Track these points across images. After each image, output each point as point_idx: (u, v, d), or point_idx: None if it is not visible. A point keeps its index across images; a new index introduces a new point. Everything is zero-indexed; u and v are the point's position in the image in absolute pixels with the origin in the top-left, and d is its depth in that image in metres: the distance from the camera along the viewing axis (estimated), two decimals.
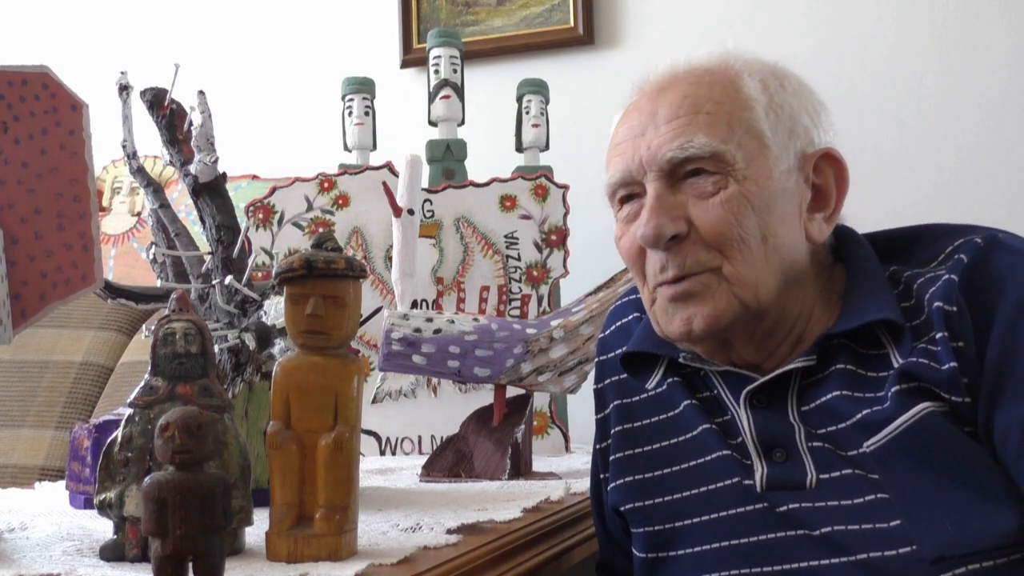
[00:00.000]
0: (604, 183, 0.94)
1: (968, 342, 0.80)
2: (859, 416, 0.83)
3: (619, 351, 1.00)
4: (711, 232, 0.86)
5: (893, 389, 0.82)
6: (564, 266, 1.70)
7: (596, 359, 1.06)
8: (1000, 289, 0.81)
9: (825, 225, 0.91)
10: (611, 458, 1.00)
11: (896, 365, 0.83)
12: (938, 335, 0.81)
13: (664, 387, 0.97)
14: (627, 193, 0.92)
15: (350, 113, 1.89)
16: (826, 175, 0.91)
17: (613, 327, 1.05)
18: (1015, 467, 0.78)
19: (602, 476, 1.03)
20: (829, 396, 0.86)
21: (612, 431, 1.01)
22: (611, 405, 1.01)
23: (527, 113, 1.86)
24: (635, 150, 0.89)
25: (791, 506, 0.85)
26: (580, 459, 1.54)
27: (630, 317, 1.03)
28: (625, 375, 1.00)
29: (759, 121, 0.88)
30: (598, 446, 1.04)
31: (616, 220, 0.95)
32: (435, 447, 1.40)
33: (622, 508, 0.98)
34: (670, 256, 0.87)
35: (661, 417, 0.97)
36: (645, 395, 0.99)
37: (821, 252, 0.93)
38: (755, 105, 0.88)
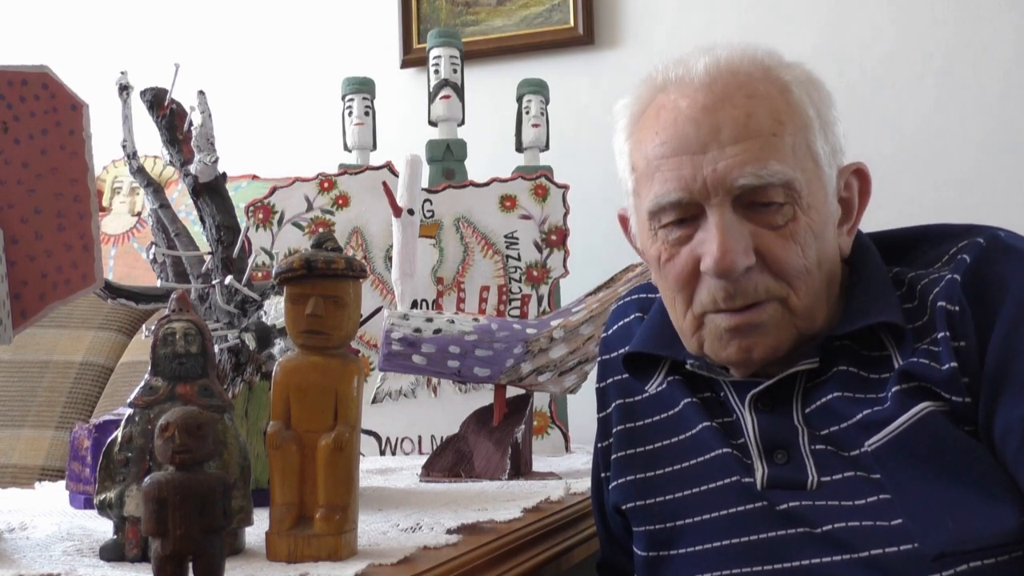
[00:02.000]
0: (649, 199, 0.88)
1: (969, 341, 0.81)
2: (860, 416, 0.84)
3: (621, 351, 1.00)
4: (781, 265, 0.84)
5: (893, 389, 0.82)
6: (564, 266, 1.70)
7: (599, 358, 1.06)
8: (1002, 289, 0.81)
9: (848, 238, 0.92)
10: (612, 457, 1.00)
11: (896, 366, 0.84)
12: (940, 335, 0.81)
13: (664, 386, 0.97)
14: (677, 216, 0.87)
15: (350, 113, 1.89)
16: (852, 189, 0.91)
17: (616, 327, 1.05)
18: (1015, 466, 0.78)
19: (603, 475, 1.03)
20: (829, 397, 0.86)
21: (614, 430, 1.01)
22: (613, 404, 1.02)
23: (527, 113, 1.86)
24: (696, 170, 0.84)
25: (791, 504, 0.85)
26: (580, 459, 1.54)
27: (632, 317, 1.03)
28: (627, 375, 1.00)
29: (816, 142, 0.87)
30: (599, 445, 1.04)
31: (651, 235, 0.90)
32: (435, 447, 1.40)
33: (623, 507, 0.98)
34: (738, 286, 0.85)
35: (662, 416, 0.97)
36: (647, 395, 0.99)
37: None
38: (812, 124, 0.87)
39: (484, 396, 1.46)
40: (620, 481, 0.98)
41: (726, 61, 0.88)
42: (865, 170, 0.92)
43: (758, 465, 0.88)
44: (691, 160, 0.85)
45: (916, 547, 0.79)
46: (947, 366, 0.80)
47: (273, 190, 1.71)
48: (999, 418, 0.79)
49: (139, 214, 2.25)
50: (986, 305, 0.81)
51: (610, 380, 1.03)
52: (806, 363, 0.87)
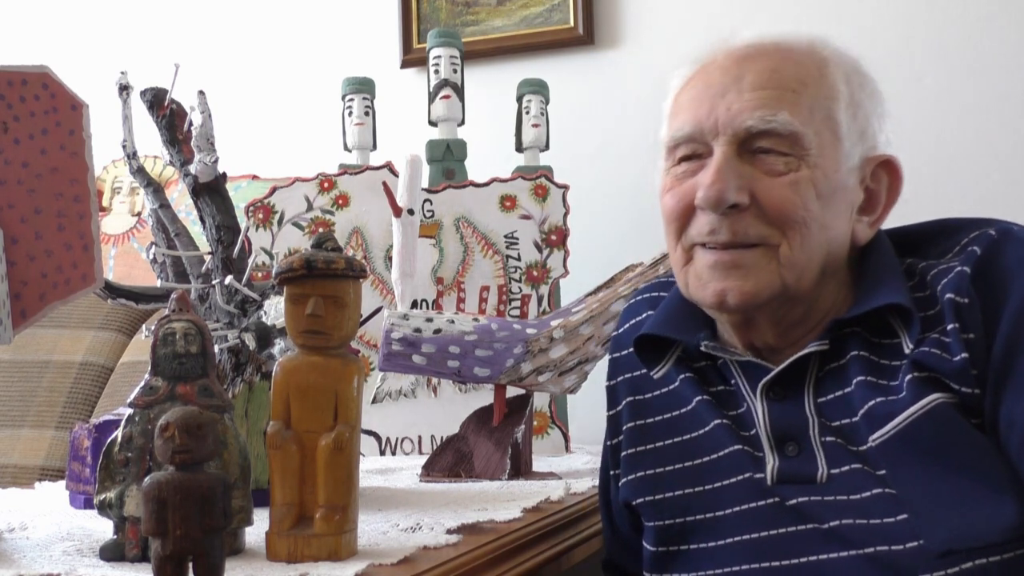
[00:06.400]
0: (666, 134, 0.92)
1: (978, 333, 0.81)
2: (869, 406, 0.84)
3: (631, 349, 1.00)
4: (776, 209, 0.85)
5: (908, 377, 0.82)
6: (564, 266, 1.70)
7: (609, 356, 1.06)
8: (1011, 281, 0.82)
9: (869, 229, 0.92)
10: (623, 454, 1.00)
11: (907, 351, 0.84)
12: (949, 326, 0.82)
13: (677, 383, 0.97)
14: (689, 151, 0.90)
15: (350, 113, 1.89)
16: (880, 182, 0.92)
17: (627, 325, 1.05)
18: (1019, 458, 0.78)
19: (613, 472, 1.03)
20: (852, 384, 0.86)
21: (624, 427, 1.01)
22: (623, 402, 1.02)
23: (527, 113, 1.85)
24: (712, 109, 0.88)
25: (800, 500, 0.86)
26: (580, 459, 1.54)
27: (644, 315, 1.03)
28: (638, 372, 1.00)
29: (839, 112, 0.88)
30: (609, 442, 1.04)
31: (664, 172, 0.93)
32: (435, 447, 1.40)
33: (634, 502, 0.98)
34: (725, 222, 0.86)
35: (674, 413, 0.97)
36: (658, 392, 0.99)
37: (854, 250, 0.93)
38: (838, 96, 0.88)
39: (484, 396, 1.46)
40: (631, 477, 0.99)
41: (774, 32, 0.92)
42: (896, 164, 0.92)
43: (769, 457, 0.88)
44: (710, 100, 0.88)
45: (921, 544, 0.79)
46: (958, 357, 0.80)
47: (273, 190, 1.71)
48: (1004, 411, 0.79)
49: (139, 214, 2.25)
50: (994, 297, 0.81)
51: (621, 378, 1.03)
52: (815, 345, 0.87)
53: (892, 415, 0.82)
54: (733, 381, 0.94)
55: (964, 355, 0.80)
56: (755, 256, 0.86)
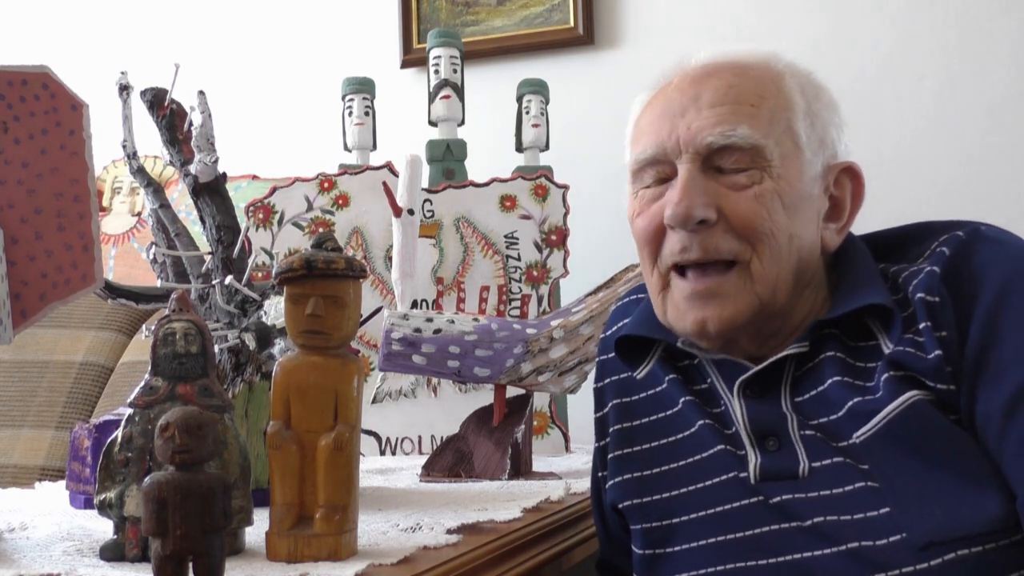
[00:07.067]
0: (631, 158, 0.93)
1: (951, 331, 0.82)
2: (850, 404, 0.84)
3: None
4: (743, 223, 0.86)
5: (884, 376, 0.83)
6: (564, 266, 1.70)
7: (597, 358, 1.06)
8: (980, 278, 0.83)
9: (837, 236, 0.93)
10: (609, 456, 1.01)
11: (886, 351, 0.85)
12: (922, 325, 0.83)
13: (664, 384, 0.97)
14: (654, 173, 0.91)
15: (350, 113, 1.89)
16: (844, 188, 0.93)
17: (615, 327, 1.05)
18: (996, 452, 0.79)
19: (601, 474, 1.04)
20: (826, 384, 0.87)
21: (610, 429, 1.01)
22: (610, 404, 1.02)
23: (527, 113, 1.86)
24: (672, 129, 0.89)
25: (784, 497, 0.86)
26: (580, 459, 1.55)
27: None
28: (625, 374, 1.01)
29: (797, 123, 0.89)
30: (597, 444, 1.05)
31: (633, 196, 0.94)
32: (435, 447, 1.40)
33: (620, 505, 0.98)
34: (696, 239, 0.87)
35: (660, 416, 0.97)
36: (644, 394, 0.99)
37: (826, 257, 0.94)
38: (795, 107, 0.89)
39: (484, 396, 1.46)
40: (617, 480, 0.99)
41: (727, 51, 0.93)
42: (857, 169, 0.93)
43: (751, 454, 0.89)
44: (670, 120, 0.89)
45: (903, 537, 0.80)
46: (933, 355, 0.81)
47: (273, 190, 1.71)
48: (980, 405, 0.80)
49: (139, 214, 2.25)
50: (965, 295, 0.83)
51: (608, 380, 1.03)
52: (795, 347, 0.88)
53: (872, 413, 0.83)
54: (709, 379, 0.94)
55: (938, 352, 0.81)
56: (730, 281, 0.87)
